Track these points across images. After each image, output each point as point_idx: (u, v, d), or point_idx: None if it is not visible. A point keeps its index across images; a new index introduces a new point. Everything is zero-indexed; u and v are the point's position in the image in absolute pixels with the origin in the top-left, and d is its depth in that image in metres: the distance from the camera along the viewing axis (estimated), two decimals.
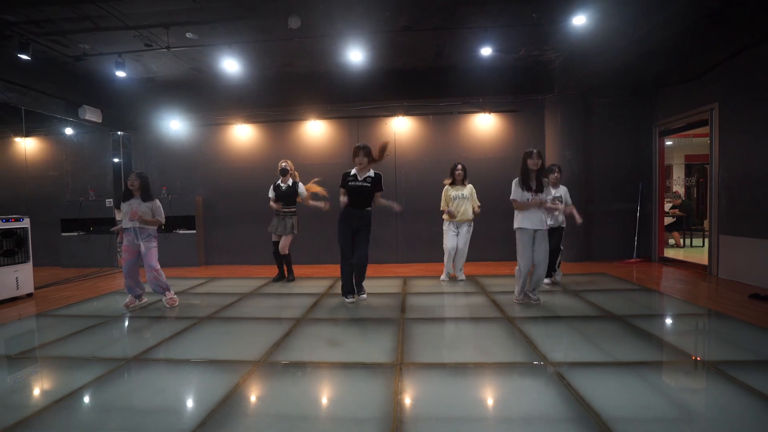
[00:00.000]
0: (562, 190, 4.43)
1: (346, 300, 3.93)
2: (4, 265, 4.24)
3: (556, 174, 4.36)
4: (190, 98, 6.72)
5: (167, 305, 3.92)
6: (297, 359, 2.55)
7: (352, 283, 3.95)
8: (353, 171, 3.82)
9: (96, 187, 7.04)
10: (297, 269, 5.29)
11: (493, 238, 6.40)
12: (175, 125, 6.83)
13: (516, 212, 3.64)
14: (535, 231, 3.58)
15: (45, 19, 4.40)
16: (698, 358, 2.46)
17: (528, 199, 3.53)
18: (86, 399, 2.10)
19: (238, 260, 6.80)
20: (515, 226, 3.64)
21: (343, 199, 3.74)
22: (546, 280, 4.51)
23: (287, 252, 4.99)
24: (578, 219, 4.14)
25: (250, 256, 6.77)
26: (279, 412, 1.95)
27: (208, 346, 2.87)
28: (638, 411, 1.85)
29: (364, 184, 3.79)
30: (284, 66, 6.05)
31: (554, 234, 4.43)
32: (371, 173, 3.84)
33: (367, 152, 3.77)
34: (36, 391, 2.24)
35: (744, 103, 4.45)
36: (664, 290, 4.26)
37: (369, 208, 3.86)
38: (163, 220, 3.96)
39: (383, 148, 3.79)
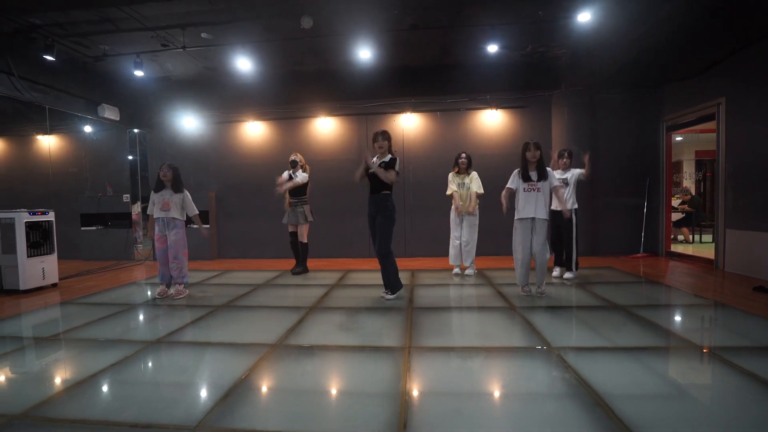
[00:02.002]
0: (575, 173, 4.46)
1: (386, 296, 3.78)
2: (31, 256, 4.46)
3: (565, 159, 4.45)
4: (203, 96, 6.91)
5: (175, 296, 4.03)
6: (310, 343, 2.70)
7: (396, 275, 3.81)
8: (374, 158, 3.70)
9: (113, 183, 7.28)
10: (309, 263, 5.44)
11: (499, 232, 6.46)
12: (189, 123, 7.03)
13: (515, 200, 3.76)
14: (533, 220, 3.66)
15: (69, 21, 4.60)
16: (697, 344, 2.54)
17: (524, 189, 3.66)
18: (115, 376, 2.27)
19: (250, 254, 6.99)
20: (515, 216, 3.75)
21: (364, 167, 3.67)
22: (568, 275, 4.45)
23: (306, 241, 5.24)
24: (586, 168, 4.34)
25: (262, 249, 6.96)
26: (295, 387, 2.09)
27: (226, 331, 3.03)
28: (633, 389, 1.95)
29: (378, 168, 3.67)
30: (295, 64, 6.20)
31: (564, 223, 4.41)
32: (386, 158, 3.71)
33: (387, 136, 3.69)
34: (69, 369, 2.41)
35: (751, 97, 4.48)
36: (669, 283, 4.32)
37: (386, 192, 3.67)
38: (196, 212, 4.06)
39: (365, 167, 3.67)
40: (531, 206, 3.65)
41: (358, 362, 2.41)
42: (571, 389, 1.96)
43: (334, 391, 2.07)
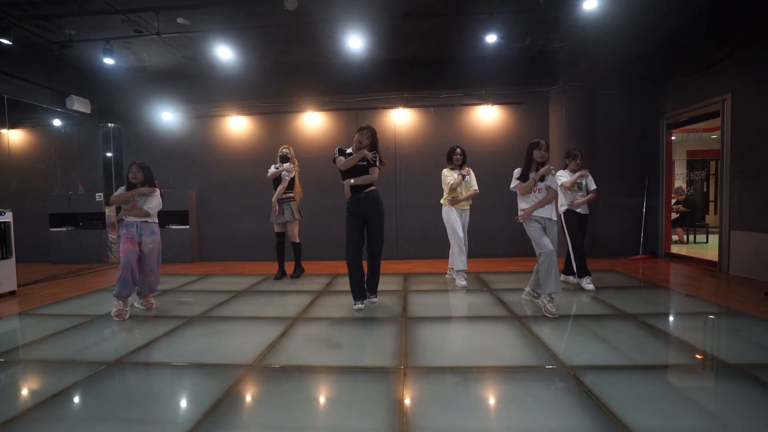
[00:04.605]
0: (590, 180, 4.16)
1: (354, 306, 3.44)
2: None
3: (578, 161, 4.07)
4: (182, 89, 6.50)
5: (142, 306, 3.60)
6: (293, 363, 2.37)
7: (363, 287, 3.47)
8: (349, 149, 3.40)
9: (86, 181, 6.81)
10: (292, 265, 5.08)
11: (494, 233, 6.24)
12: (167, 117, 6.60)
13: (520, 203, 3.32)
14: (545, 220, 3.25)
15: (26, 0, 4.16)
16: (724, 361, 2.29)
17: (533, 190, 3.22)
18: (64, 406, 1.91)
19: (233, 256, 6.60)
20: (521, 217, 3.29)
21: (344, 162, 3.32)
22: (588, 283, 3.96)
23: (298, 240, 4.84)
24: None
25: (245, 252, 6.58)
26: (273, 422, 1.76)
27: (198, 348, 2.68)
28: (668, 420, 1.68)
29: (362, 162, 3.34)
30: (281, 55, 5.83)
31: (583, 224, 4.11)
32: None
33: (372, 134, 3.38)
34: (11, 397, 2.04)
35: (759, 93, 4.28)
36: (676, 288, 4.10)
37: (374, 188, 3.41)
38: (152, 212, 3.51)
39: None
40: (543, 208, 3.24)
41: (346, 387, 2.09)
42: (595, 421, 1.68)
43: (318, 425, 1.75)
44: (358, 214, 3.38)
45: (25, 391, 2.11)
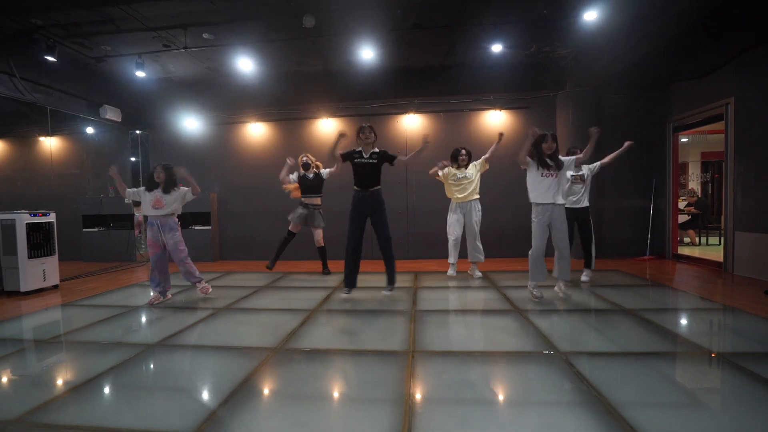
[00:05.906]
0: (584, 169, 4.40)
1: (342, 293, 3.84)
2: (32, 258, 4.43)
3: (579, 155, 4.32)
4: (205, 97, 6.89)
5: (201, 294, 4.07)
6: (312, 346, 2.64)
7: (353, 275, 3.87)
8: (359, 148, 3.75)
9: (115, 185, 7.26)
10: (307, 264, 5.40)
11: (502, 234, 6.42)
12: (190, 124, 7.01)
13: (529, 185, 3.59)
14: (553, 206, 3.51)
15: (70, 22, 4.58)
16: (710, 350, 2.47)
17: (542, 174, 3.49)
18: (113, 380, 2.22)
19: (252, 255, 6.94)
20: (531, 200, 3.60)
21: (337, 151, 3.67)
22: (584, 276, 4.35)
23: (323, 244, 5.29)
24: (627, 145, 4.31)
25: (263, 251, 6.90)
26: (296, 393, 2.04)
27: (226, 334, 2.98)
28: (646, 396, 1.89)
29: (371, 160, 3.70)
30: (297, 65, 6.16)
31: (579, 217, 4.32)
32: (375, 149, 3.76)
33: (374, 130, 3.73)
34: (67, 372, 2.37)
35: (761, 97, 4.40)
36: (678, 286, 4.24)
37: (379, 187, 3.78)
38: (198, 189, 4.00)
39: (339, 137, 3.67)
40: (550, 192, 3.50)
41: (360, 366, 2.35)
42: (581, 396, 1.89)
43: (335, 397, 2.02)
44: (361, 210, 3.76)
45: (84, 366, 2.44)
